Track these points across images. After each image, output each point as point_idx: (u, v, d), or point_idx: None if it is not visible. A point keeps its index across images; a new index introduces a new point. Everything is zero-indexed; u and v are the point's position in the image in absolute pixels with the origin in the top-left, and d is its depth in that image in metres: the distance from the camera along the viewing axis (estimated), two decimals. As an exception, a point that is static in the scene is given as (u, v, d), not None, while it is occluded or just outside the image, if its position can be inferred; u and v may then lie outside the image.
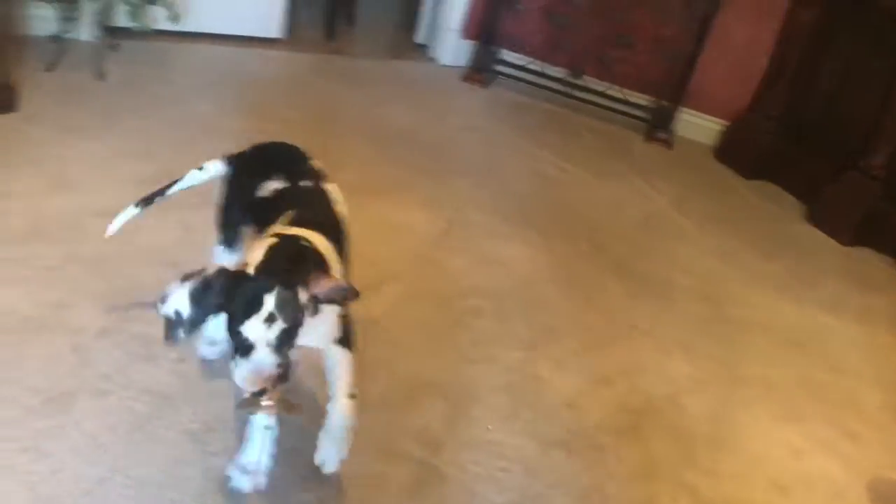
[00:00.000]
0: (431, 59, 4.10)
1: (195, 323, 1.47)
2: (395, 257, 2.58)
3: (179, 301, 1.46)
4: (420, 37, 4.21)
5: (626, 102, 3.84)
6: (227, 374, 1.53)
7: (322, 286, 1.48)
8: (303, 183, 1.78)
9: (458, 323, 2.39)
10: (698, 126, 3.87)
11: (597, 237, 2.98)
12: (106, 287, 2.19)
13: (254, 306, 1.42)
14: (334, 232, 1.71)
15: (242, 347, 1.44)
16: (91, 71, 3.19)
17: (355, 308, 1.66)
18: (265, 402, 1.49)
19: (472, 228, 2.86)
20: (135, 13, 3.24)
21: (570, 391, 2.25)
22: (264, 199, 1.75)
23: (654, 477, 2.05)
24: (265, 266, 1.48)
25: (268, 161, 1.87)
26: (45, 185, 2.54)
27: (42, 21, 3.24)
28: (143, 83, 3.26)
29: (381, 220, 2.73)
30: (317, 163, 1.87)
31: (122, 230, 1.95)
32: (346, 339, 1.68)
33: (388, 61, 4.04)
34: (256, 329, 1.42)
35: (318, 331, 1.58)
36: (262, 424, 1.64)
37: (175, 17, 3.29)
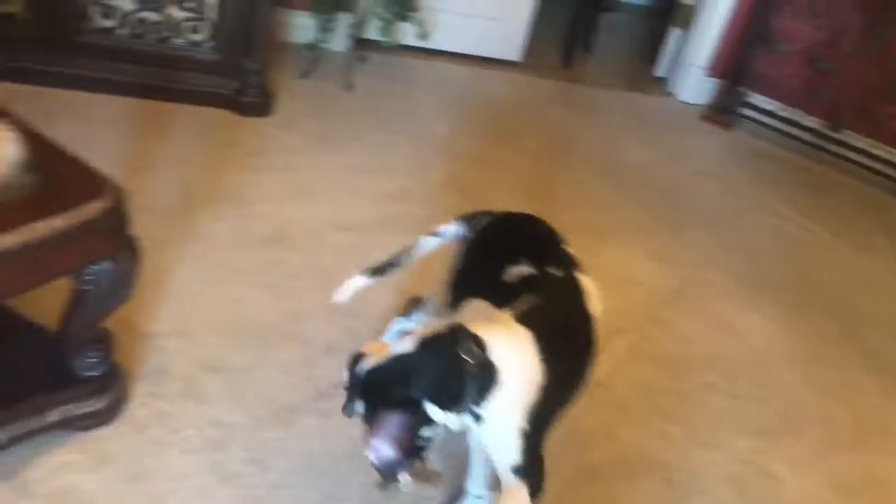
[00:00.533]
0: (670, 94, 3.89)
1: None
2: (622, 312, 2.44)
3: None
4: (660, 70, 4.01)
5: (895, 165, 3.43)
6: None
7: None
8: (552, 270, 1.55)
9: (687, 395, 2.21)
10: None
11: (847, 318, 2.66)
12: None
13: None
14: (576, 336, 1.51)
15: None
16: (340, 81, 3.30)
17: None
18: (403, 477, 1.37)
19: (706, 289, 2.65)
20: (386, 28, 3.32)
21: (806, 496, 2.00)
22: (506, 283, 1.54)
23: None
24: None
25: (515, 239, 1.67)
26: (291, 192, 2.64)
27: (301, 29, 3.39)
28: (387, 97, 3.33)
29: (609, 267, 2.59)
30: (569, 248, 1.66)
31: (350, 300, 1.76)
32: (525, 470, 1.40)
33: (624, 93, 3.88)
34: None
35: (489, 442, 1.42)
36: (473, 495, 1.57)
37: (424, 35, 3.34)
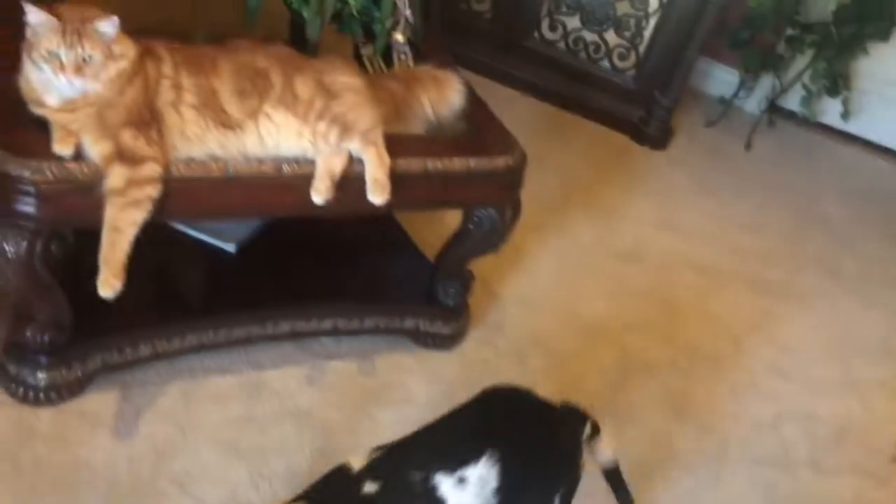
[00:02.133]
0: None
1: None
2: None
3: None
4: None
5: None
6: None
7: None
8: None
9: None
10: None
11: None
12: (671, 327, 2.29)
13: None
14: None
15: None
16: (741, 139, 3.31)
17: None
18: None
19: None
20: (808, 100, 3.24)
21: None
22: None
23: None
24: None
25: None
26: (659, 219, 2.74)
27: (718, 81, 3.46)
28: (784, 167, 3.26)
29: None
30: None
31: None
32: None
33: None
34: None
35: None
36: None
37: (846, 115, 3.20)
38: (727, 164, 3.17)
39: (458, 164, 1.65)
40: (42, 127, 1.36)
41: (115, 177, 1.34)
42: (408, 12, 1.67)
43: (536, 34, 3.12)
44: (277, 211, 1.60)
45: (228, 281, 1.88)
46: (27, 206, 1.34)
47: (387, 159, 1.55)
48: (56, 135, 1.34)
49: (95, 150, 1.35)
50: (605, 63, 3.11)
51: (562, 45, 3.13)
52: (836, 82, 3.14)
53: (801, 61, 3.18)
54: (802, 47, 3.10)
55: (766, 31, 3.22)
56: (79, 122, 1.34)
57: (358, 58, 1.81)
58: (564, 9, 3.07)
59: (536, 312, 2.22)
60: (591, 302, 2.32)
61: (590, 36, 3.09)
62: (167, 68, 1.40)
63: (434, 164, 1.63)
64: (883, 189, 3.31)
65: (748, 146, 3.29)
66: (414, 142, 1.64)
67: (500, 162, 1.70)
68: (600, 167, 2.93)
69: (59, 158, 1.33)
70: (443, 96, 1.69)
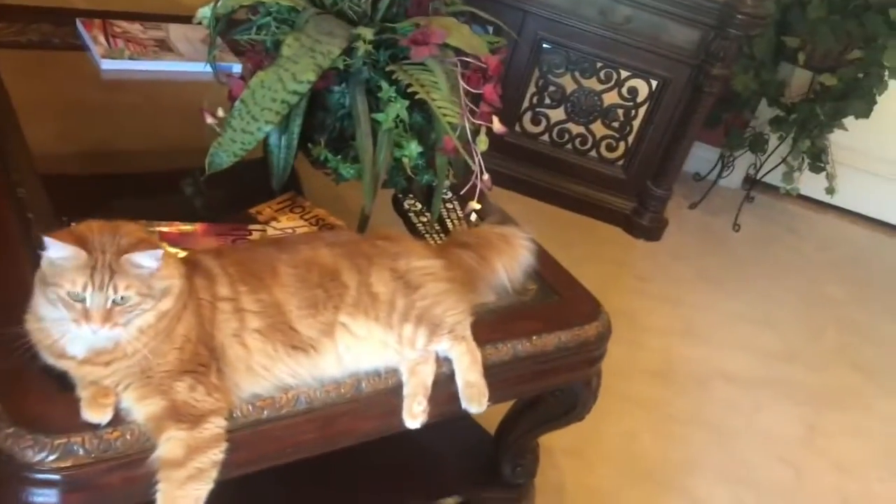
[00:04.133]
0: None
1: None
2: None
3: None
4: None
5: None
6: None
7: None
8: None
9: None
10: None
11: None
12: (727, 460, 2.09)
13: None
14: None
15: None
16: (726, 218, 3.20)
17: None
18: None
19: None
20: (788, 175, 3.17)
21: None
22: None
23: None
24: None
25: None
26: (678, 327, 2.56)
27: (695, 159, 3.35)
28: (774, 245, 3.17)
29: None
30: None
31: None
32: None
33: None
34: None
35: None
36: None
37: (831, 191, 3.14)
38: (722, 250, 3.05)
39: (548, 341, 1.39)
40: (63, 381, 1.01)
41: (172, 445, 1.00)
42: (486, 177, 1.40)
43: (518, 128, 2.92)
44: (356, 439, 1.27)
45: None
46: (46, 499, 0.98)
47: (478, 354, 1.28)
48: (85, 395, 1.00)
49: (141, 411, 1.01)
50: (593, 154, 2.94)
51: (545, 138, 2.94)
52: (820, 158, 3.08)
53: (783, 138, 3.11)
54: (787, 127, 3.03)
55: (745, 110, 3.15)
56: (115, 376, 1.01)
57: (399, 211, 1.55)
58: (548, 101, 2.88)
59: (594, 464, 1.98)
60: (643, 441, 2.10)
61: (576, 128, 2.91)
62: (223, 288, 1.08)
63: (524, 346, 1.37)
64: (871, 259, 3.27)
65: (736, 227, 3.19)
66: (494, 320, 1.37)
67: (591, 331, 1.45)
68: (603, 268, 2.73)
69: (92, 428, 0.99)
70: (515, 258, 1.44)
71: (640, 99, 2.82)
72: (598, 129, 2.90)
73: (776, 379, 2.46)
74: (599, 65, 2.78)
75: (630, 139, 2.89)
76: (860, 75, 2.89)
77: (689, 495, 1.98)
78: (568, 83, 2.84)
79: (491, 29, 2.30)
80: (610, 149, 2.92)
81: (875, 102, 2.94)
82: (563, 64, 2.80)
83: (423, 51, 1.35)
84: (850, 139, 3.14)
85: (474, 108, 1.41)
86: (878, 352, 2.70)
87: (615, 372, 2.29)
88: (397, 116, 1.37)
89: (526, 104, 2.89)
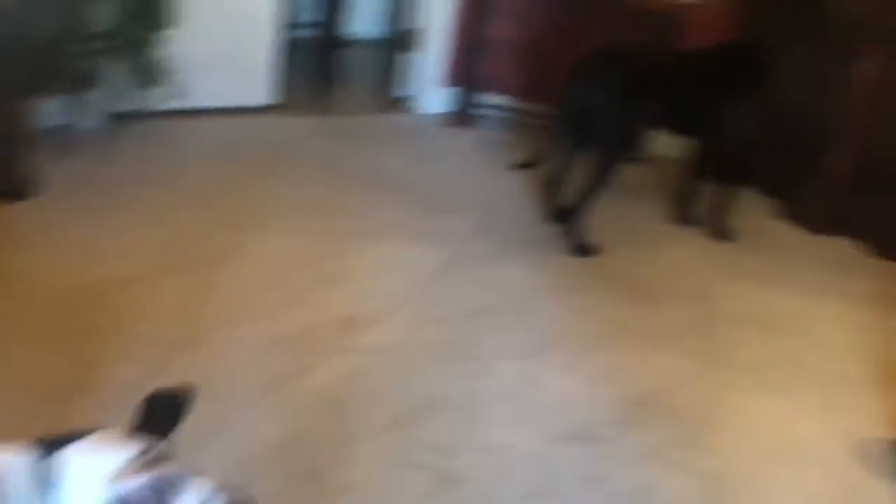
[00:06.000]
0: (414, 110, 4.35)
1: None
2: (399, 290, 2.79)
3: None
4: (402, 90, 4.46)
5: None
6: None
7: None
8: None
9: (457, 341, 2.59)
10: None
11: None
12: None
13: None
14: None
15: None
16: (99, 155, 3.43)
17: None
18: None
19: (471, 256, 3.07)
20: (136, 96, 3.48)
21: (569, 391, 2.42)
22: None
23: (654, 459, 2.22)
24: None
25: None
26: (69, 260, 2.75)
27: (46, 114, 3.45)
28: (149, 161, 3.49)
29: (385, 258, 2.94)
30: None
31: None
32: None
33: (375, 116, 4.31)
34: None
35: None
36: None
37: (181, 95, 3.52)
38: (99, 183, 3.25)
39: None
40: None
41: None
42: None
43: None
44: None
45: None
46: None
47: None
48: None
49: None
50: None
51: None
52: (150, 73, 3.45)
53: (109, 67, 3.38)
54: (108, 55, 3.31)
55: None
56: None
57: None
58: None
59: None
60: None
61: None
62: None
63: None
64: (239, 140, 3.81)
65: (110, 159, 3.42)
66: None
67: None
68: None
69: None
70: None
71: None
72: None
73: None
74: None
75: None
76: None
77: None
78: None
79: None
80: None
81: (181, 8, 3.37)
82: None
83: None
84: (178, 47, 3.54)
85: None
86: (246, 206, 3.24)
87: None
88: None
89: None
